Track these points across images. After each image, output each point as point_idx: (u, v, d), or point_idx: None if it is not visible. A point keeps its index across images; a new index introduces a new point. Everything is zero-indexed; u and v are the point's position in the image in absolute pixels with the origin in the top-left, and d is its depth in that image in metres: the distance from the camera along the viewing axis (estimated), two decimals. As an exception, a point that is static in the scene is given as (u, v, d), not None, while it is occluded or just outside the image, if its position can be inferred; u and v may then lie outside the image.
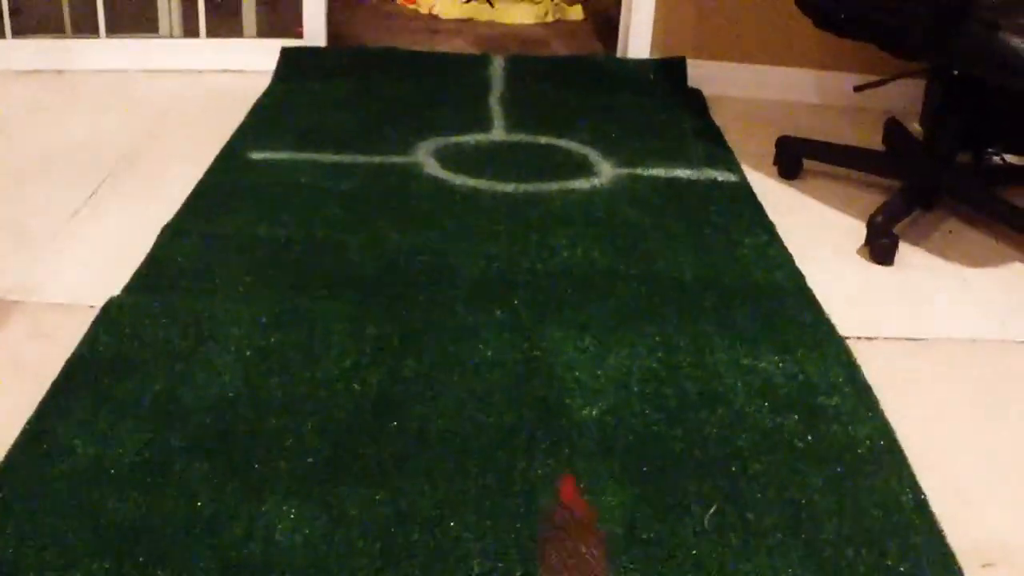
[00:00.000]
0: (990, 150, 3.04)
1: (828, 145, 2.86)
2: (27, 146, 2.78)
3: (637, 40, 3.39)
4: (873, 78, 2.86)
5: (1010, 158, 2.97)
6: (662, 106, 3.18)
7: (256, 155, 2.68)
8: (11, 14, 3.38)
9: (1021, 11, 2.32)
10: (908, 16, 2.35)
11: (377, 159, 2.69)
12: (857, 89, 2.86)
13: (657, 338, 1.91)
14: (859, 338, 2.00)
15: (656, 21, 3.38)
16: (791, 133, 2.86)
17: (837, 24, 2.52)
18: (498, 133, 2.91)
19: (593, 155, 2.78)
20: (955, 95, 2.51)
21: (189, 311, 1.92)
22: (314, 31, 3.43)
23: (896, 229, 2.37)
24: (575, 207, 2.47)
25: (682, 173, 2.70)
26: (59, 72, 3.36)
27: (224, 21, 3.50)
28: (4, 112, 3.04)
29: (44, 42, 3.44)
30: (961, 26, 2.25)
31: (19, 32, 3.44)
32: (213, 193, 2.46)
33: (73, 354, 1.78)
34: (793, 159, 2.79)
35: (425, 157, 2.70)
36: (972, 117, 2.63)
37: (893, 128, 2.87)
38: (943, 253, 2.42)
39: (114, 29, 3.44)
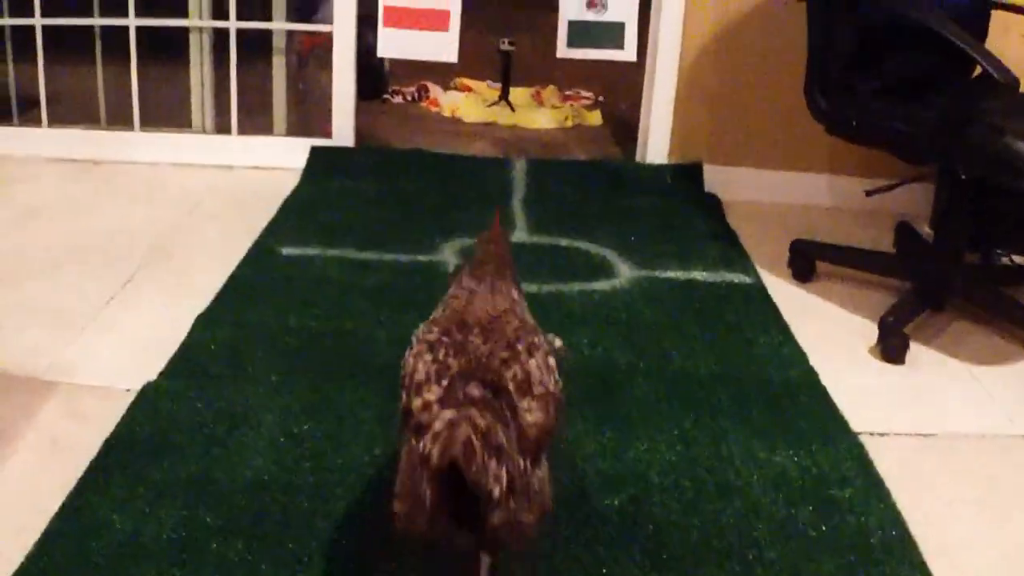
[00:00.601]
0: (998, 251, 3.11)
1: (840, 248, 2.93)
2: (64, 233, 2.89)
3: (655, 145, 3.50)
4: (884, 182, 2.94)
5: (1018, 259, 3.04)
6: (679, 210, 3.27)
7: (287, 250, 2.76)
8: (47, 103, 3.51)
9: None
10: (916, 122, 2.45)
11: (404, 257, 2.77)
12: (869, 194, 2.94)
13: (675, 432, 1.97)
14: (871, 434, 2.05)
15: (673, 127, 3.49)
16: (805, 236, 2.93)
17: (849, 131, 2.61)
18: (521, 235, 3.00)
19: (612, 257, 2.86)
20: (962, 198, 2.59)
21: (223, 397, 1.99)
22: (343, 131, 3.53)
23: (907, 329, 2.43)
24: (595, 307, 2.54)
25: (699, 275, 2.77)
26: (94, 162, 3.47)
27: (255, 118, 3.62)
28: (41, 199, 3.15)
29: (80, 133, 3.57)
30: (967, 131, 2.34)
31: (56, 121, 3.57)
32: (245, 285, 2.55)
33: (111, 434, 1.84)
34: (806, 262, 2.87)
35: (450, 256, 2.78)
36: (980, 219, 2.70)
37: (904, 230, 2.93)
38: (952, 351, 2.48)
39: (148, 122, 3.56)
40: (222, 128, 3.61)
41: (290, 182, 3.33)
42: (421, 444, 1.25)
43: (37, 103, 3.54)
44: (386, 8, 3.22)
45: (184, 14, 3.54)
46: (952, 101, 2.45)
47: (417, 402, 1.33)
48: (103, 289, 2.53)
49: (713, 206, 3.32)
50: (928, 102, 2.48)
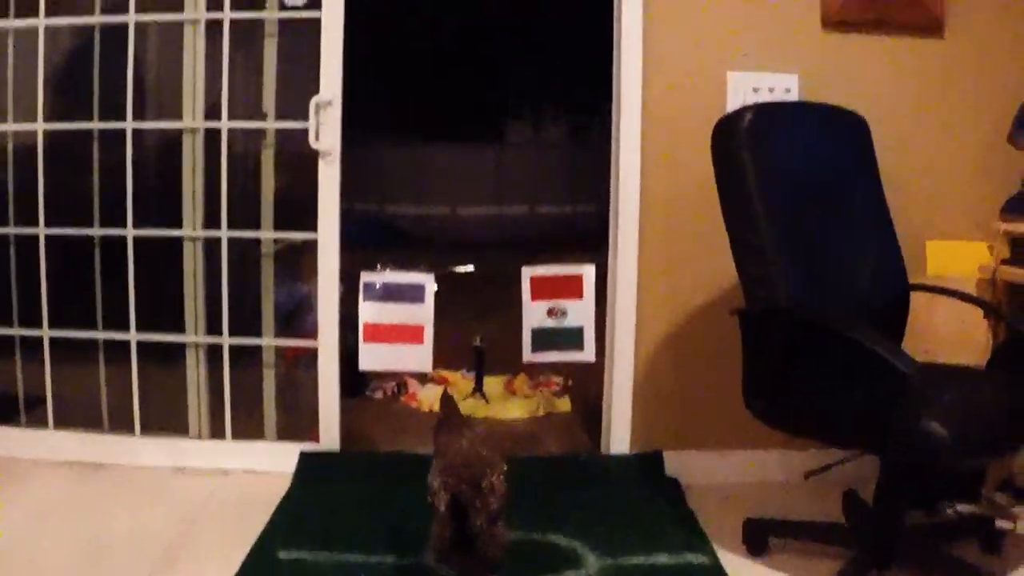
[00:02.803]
0: (945, 503, 3.34)
1: (791, 522, 3.18)
2: (72, 538, 3.10)
3: (617, 436, 3.77)
4: (825, 461, 3.21)
5: (964, 508, 3.27)
6: (642, 497, 3.51)
7: (283, 554, 3.00)
8: (38, 403, 3.78)
9: (942, 396, 2.69)
10: (842, 415, 2.74)
11: (389, 559, 2.99)
12: (808, 476, 3.21)
13: None
14: None
15: (633, 419, 3.77)
16: (760, 512, 3.18)
17: (784, 426, 2.91)
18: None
19: (581, 548, 3.07)
20: (895, 471, 2.84)
21: None
22: (329, 436, 3.79)
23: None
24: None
25: (662, 559, 3.00)
26: (98, 465, 3.71)
27: (248, 420, 3.86)
28: (49, 503, 3.37)
29: (84, 436, 3.81)
30: (886, 419, 2.60)
31: (59, 421, 3.81)
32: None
33: None
34: (760, 538, 3.10)
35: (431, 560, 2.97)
36: (922, 481, 2.95)
37: (850, 498, 3.13)
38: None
39: (148, 427, 3.82)
40: (216, 432, 3.86)
41: (283, 486, 3.56)
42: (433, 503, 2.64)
43: (41, 403, 3.80)
44: (366, 325, 3.58)
45: (182, 326, 3.86)
46: (868, 393, 2.74)
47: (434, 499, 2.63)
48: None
49: (674, 490, 3.57)
50: (852, 395, 2.77)
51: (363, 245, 7.48)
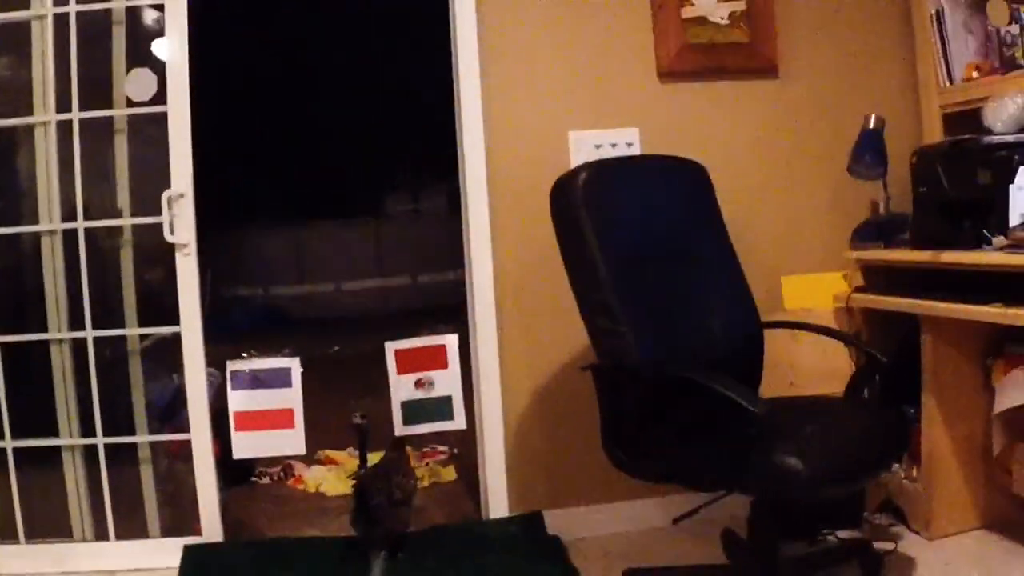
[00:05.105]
0: (824, 530, 3.42)
1: (673, 568, 3.23)
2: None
3: (496, 500, 3.80)
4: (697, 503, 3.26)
5: (843, 534, 3.36)
6: (526, 560, 3.50)
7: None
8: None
9: (797, 429, 2.76)
10: (702, 460, 2.80)
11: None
12: (676, 520, 3.26)
13: None
14: None
15: (509, 481, 3.80)
16: (644, 561, 3.24)
17: (646, 475, 2.96)
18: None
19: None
20: (761, 508, 2.91)
21: None
22: (211, 528, 3.73)
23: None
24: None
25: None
26: (-19, 575, 3.61)
27: (132, 518, 3.79)
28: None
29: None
30: (742, 459, 2.67)
31: None
32: None
33: None
34: (641, 587, 3.15)
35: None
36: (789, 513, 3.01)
37: (729, 537, 3.19)
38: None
39: (32, 533, 3.73)
40: (100, 534, 3.78)
41: (169, 583, 3.52)
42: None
43: None
44: (236, 414, 3.55)
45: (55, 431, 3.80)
46: (724, 434, 2.80)
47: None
48: None
49: (556, 549, 3.57)
50: (708, 438, 2.83)
51: (247, 332, 7.54)
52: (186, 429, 3.77)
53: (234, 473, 4.24)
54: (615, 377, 2.92)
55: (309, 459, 4.78)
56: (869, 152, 3.75)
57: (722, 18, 3.85)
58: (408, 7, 8.00)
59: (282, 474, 4.70)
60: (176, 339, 3.72)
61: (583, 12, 3.84)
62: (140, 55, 3.80)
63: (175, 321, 3.69)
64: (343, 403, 4.67)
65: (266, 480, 4.69)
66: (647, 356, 2.88)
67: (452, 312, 4.10)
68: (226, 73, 9.13)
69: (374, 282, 12.37)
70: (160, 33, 3.73)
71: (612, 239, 2.95)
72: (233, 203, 9.96)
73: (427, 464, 4.70)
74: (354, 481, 3.43)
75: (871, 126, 3.75)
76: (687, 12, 3.83)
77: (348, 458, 4.80)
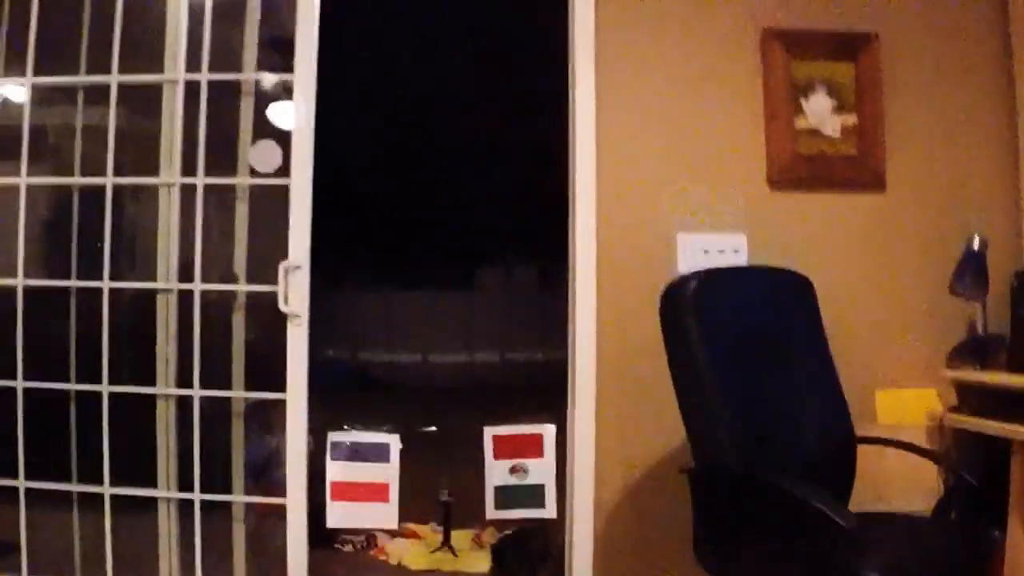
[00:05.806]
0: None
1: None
2: None
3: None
4: None
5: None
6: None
7: None
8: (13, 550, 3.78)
9: (882, 545, 2.76)
10: (787, 567, 2.81)
11: None
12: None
13: None
14: None
15: (595, 572, 3.78)
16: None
17: (734, 580, 2.98)
18: None
19: None
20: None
21: None
22: (298, 589, 3.80)
23: None
24: None
25: None
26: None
27: (217, 569, 3.85)
28: None
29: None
30: (832, 568, 2.71)
31: (34, 570, 3.79)
32: None
33: None
34: None
35: None
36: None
37: None
38: None
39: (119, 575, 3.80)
40: (189, 582, 3.85)
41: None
42: None
43: (15, 550, 3.79)
44: (333, 484, 3.64)
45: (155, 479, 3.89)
46: (812, 545, 2.81)
47: None
48: None
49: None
50: (796, 547, 2.82)
51: (335, 392, 7.63)
52: (276, 488, 3.83)
53: (317, 535, 4.30)
54: (709, 480, 2.97)
55: (392, 530, 4.82)
56: (971, 273, 3.76)
57: (834, 131, 3.92)
58: (527, 92, 8.12)
59: (365, 543, 4.76)
60: (277, 402, 3.80)
61: (697, 115, 3.93)
62: (265, 123, 3.92)
63: (278, 384, 3.77)
64: (428, 476, 4.73)
65: (348, 548, 4.75)
66: (741, 462, 2.91)
67: (542, 392, 4.14)
68: (339, 144, 9.36)
69: (461, 356, 12.41)
70: (278, 98, 3.87)
71: (717, 348, 3.00)
72: (335, 269, 10.15)
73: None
74: None
75: (975, 247, 3.76)
76: (800, 123, 3.90)
77: (431, 532, 4.85)
